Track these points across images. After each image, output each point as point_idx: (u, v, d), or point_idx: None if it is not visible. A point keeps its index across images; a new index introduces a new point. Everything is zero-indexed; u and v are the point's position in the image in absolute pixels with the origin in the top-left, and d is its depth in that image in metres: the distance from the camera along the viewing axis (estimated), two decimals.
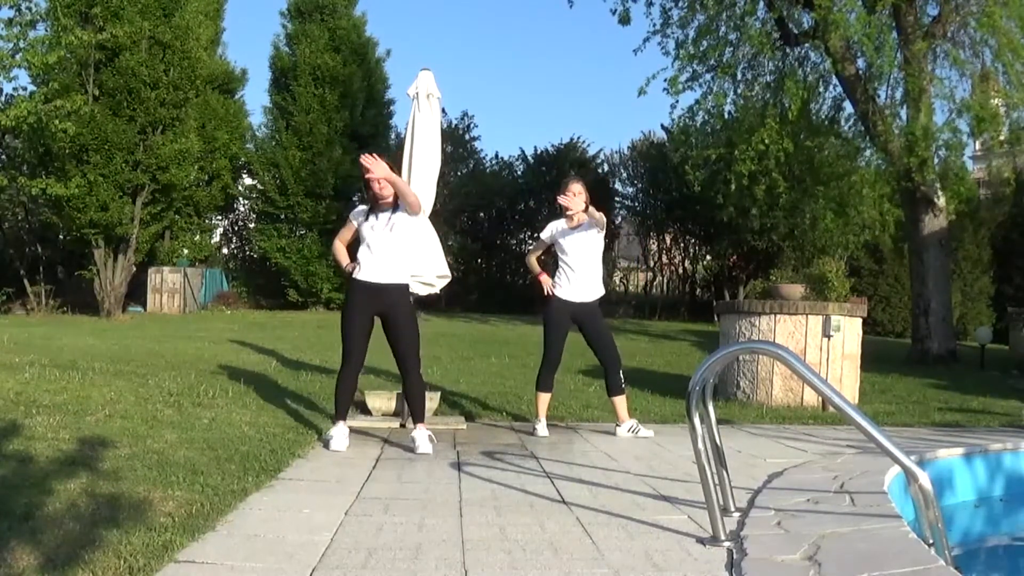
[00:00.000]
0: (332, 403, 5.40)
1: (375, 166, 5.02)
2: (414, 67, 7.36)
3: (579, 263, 5.91)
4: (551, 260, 6.37)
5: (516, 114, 70.90)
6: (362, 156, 5.11)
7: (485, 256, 23.97)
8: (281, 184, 20.46)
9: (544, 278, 6.01)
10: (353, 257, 5.27)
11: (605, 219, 5.91)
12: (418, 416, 5.25)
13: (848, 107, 14.56)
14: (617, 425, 6.00)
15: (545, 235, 6.10)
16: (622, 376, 6.00)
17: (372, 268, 5.15)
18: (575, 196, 5.87)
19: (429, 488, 4.12)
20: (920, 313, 13.58)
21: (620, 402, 5.99)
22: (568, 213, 5.93)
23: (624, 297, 23.77)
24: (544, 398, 6.02)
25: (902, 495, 4.02)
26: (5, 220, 20.64)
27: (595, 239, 5.92)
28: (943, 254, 13.67)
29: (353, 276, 5.18)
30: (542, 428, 5.91)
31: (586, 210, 5.89)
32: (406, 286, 5.34)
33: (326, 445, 5.10)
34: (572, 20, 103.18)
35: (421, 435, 5.14)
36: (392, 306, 5.18)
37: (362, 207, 5.37)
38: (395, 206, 5.17)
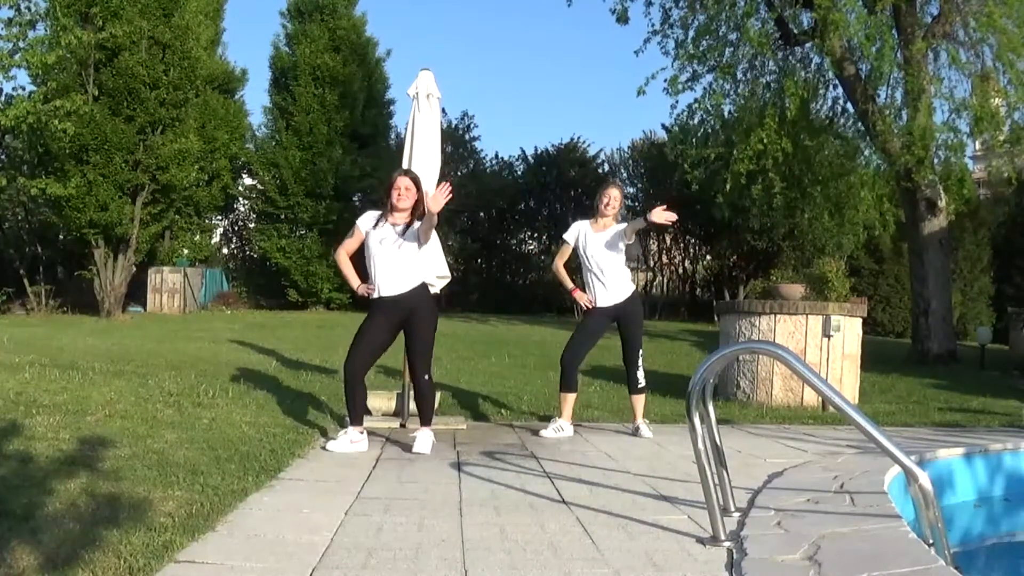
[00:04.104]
0: (332, 403, 5.38)
1: (443, 199, 4.86)
2: (414, 67, 7.37)
3: (606, 268, 5.89)
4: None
5: (516, 114, 70.91)
6: (441, 186, 4.88)
7: (485, 256, 23.97)
8: (281, 184, 20.46)
9: (579, 294, 6.00)
10: (358, 270, 5.23)
11: (634, 236, 5.92)
12: (426, 418, 5.23)
13: (848, 107, 14.57)
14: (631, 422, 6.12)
15: (570, 238, 6.05)
16: (639, 377, 6.00)
17: (387, 284, 5.09)
18: (615, 204, 5.90)
19: (429, 488, 4.12)
20: (920, 313, 13.58)
21: (635, 401, 6.05)
22: (604, 216, 5.92)
23: None
24: (568, 399, 5.97)
25: (902, 495, 4.02)
26: (5, 220, 20.62)
27: (620, 246, 5.92)
28: (943, 254, 13.67)
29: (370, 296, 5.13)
30: (549, 431, 5.83)
31: (616, 218, 5.93)
32: (423, 286, 5.26)
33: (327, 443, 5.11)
34: (572, 20, 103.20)
35: (425, 436, 5.14)
36: (414, 310, 5.13)
37: (371, 213, 5.26)
38: (408, 227, 5.09)
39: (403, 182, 5.11)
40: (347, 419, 5.25)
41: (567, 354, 5.95)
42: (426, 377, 5.23)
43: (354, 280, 5.23)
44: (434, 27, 79.84)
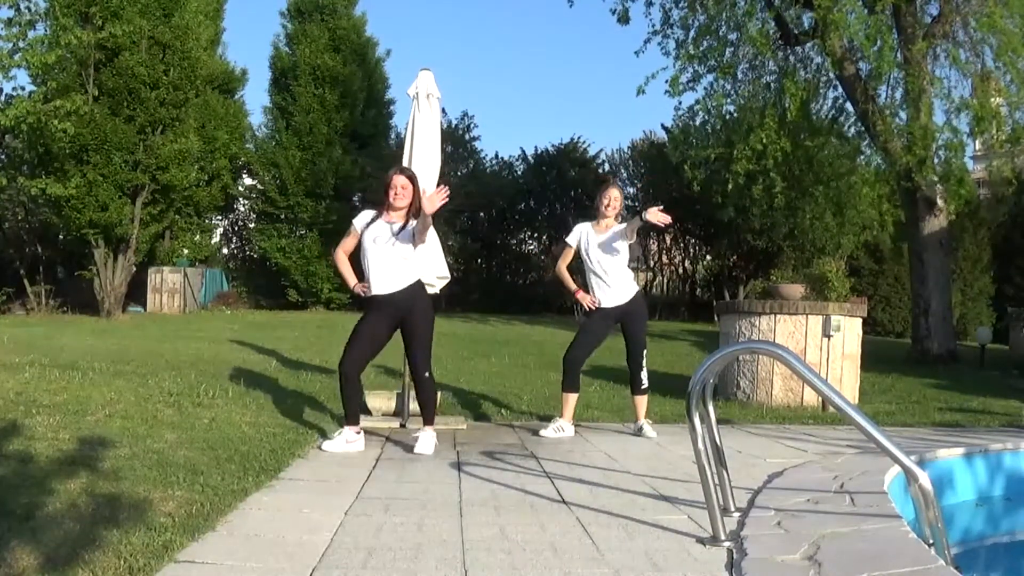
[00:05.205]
0: (332, 403, 5.38)
1: (439, 201, 4.79)
2: (414, 67, 7.37)
3: (609, 269, 5.90)
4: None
5: (516, 114, 70.92)
6: (440, 188, 4.82)
7: (485, 256, 23.95)
8: (281, 184, 20.47)
9: (583, 295, 5.99)
10: (355, 268, 5.24)
11: (635, 236, 5.90)
12: (429, 418, 5.23)
13: (849, 107, 14.56)
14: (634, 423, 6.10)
15: (572, 240, 6.06)
16: (643, 379, 5.99)
17: (381, 282, 5.09)
18: (616, 204, 5.88)
19: (429, 488, 4.12)
20: (920, 313, 13.58)
21: (638, 402, 6.04)
22: (605, 218, 5.91)
23: None
24: (570, 399, 5.96)
25: (902, 495, 4.02)
26: (5, 220, 20.61)
27: (621, 246, 5.92)
28: (943, 254, 13.67)
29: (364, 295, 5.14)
30: (549, 431, 5.83)
31: (618, 218, 5.91)
32: (419, 284, 5.25)
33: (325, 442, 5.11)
34: (572, 20, 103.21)
35: (427, 436, 5.14)
36: (410, 309, 5.13)
37: (368, 212, 5.27)
38: (404, 226, 5.08)
39: (399, 180, 5.10)
40: (343, 419, 5.26)
41: (570, 354, 5.95)
42: (427, 375, 5.24)
43: (351, 279, 5.26)
44: (434, 27, 79.93)
